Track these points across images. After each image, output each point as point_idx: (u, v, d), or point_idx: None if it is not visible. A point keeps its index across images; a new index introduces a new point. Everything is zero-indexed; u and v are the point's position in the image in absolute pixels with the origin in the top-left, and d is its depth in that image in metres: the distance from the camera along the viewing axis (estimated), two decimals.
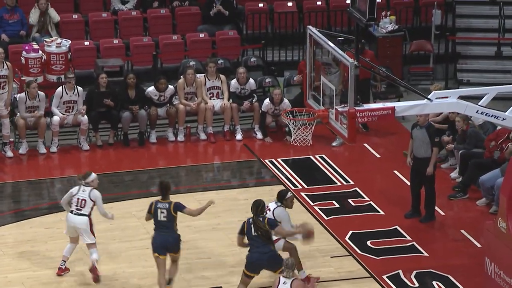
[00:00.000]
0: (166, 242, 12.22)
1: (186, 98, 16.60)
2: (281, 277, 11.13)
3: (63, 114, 16.07)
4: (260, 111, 16.42)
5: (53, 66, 16.52)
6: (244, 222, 11.92)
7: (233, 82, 16.64)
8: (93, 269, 12.53)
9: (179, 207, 12.29)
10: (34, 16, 17.32)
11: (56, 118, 15.99)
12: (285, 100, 16.46)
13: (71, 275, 12.79)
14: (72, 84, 15.97)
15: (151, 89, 16.34)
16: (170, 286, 12.35)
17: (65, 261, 12.78)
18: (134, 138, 16.47)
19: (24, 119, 15.80)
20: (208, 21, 18.06)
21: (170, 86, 16.39)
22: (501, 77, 17.56)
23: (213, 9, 17.81)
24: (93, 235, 12.62)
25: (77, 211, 12.63)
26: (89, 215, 12.64)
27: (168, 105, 16.40)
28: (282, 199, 12.46)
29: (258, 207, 11.97)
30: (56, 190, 15.16)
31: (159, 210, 12.29)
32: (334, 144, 16.28)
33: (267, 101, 16.39)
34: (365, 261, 13.16)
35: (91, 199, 12.63)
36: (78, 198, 12.63)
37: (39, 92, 15.80)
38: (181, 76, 16.58)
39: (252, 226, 11.79)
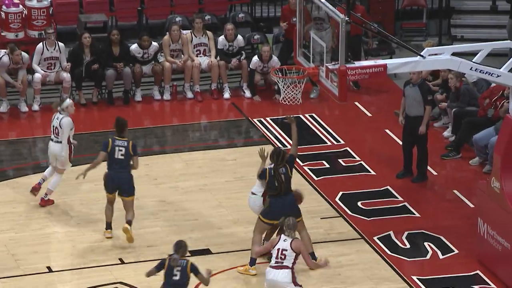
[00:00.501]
0: (120, 181, 12.34)
1: (172, 55, 16.22)
2: (282, 235, 11.06)
3: (44, 71, 15.72)
4: (249, 68, 16.08)
5: (34, 22, 16.17)
6: (265, 169, 11.73)
7: (221, 38, 16.28)
8: (36, 188, 12.97)
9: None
10: None
11: (37, 75, 15.66)
12: (274, 58, 16.15)
13: (53, 237, 12.53)
14: (52, 40, 15.61)
15: (134, 46, 16.01)
16: (127, 226, 12.37)
17: (44, 180, 13.04)
18: (119, 96, 16.17)
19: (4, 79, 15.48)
20: None
21: (154, 43, 16.04)
22: (496, 32, 17.24)
23: None
24: (69, 162, 12.84)
25: (55, 138, 12.92)
26: (68, 142, 12.80)
27: (153, 62, 16.04)
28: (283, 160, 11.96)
29: (279, 156, 11.76)
30: (39, 149, 14.87)
31: (117, 148, 12.35)
32: (311, 96, 16.03)
33: (255, 58, 16.06)
34: (356, 222, 13.00)
35: (60, 127, 12.68)
36: (53, 126, 12.92)
37: (23, 54, 15.43)
38: (167, 33, 16.18)
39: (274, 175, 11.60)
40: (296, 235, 11.25)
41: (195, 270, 10.43)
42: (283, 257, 10.90)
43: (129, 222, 12.41)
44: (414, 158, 13.92)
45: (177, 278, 10.38)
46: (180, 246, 10.47)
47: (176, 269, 10.39)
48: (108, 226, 12.61)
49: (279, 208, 11.70)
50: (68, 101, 12.85)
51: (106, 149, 12.42)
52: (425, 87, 13.80)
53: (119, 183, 12.40)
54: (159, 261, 10.58)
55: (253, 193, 12.00)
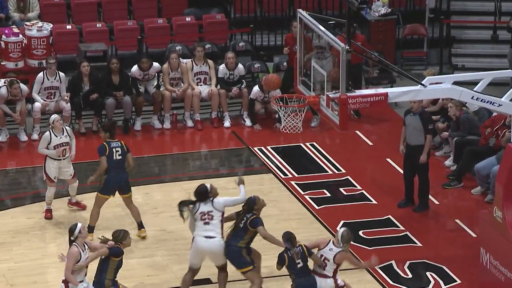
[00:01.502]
0: (120, 181, 12.77)
1: (171, 84, 16.20)
2: (331, 242, 11.25)
3: (44, 100, 15.68)
4: (249, 98, 16.03)
5: (34, 51, 16.16)
6: (284, 255, 11.31)
7: (221, 67, 16.28)
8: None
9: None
10: (12, 1, 16.95)
11: (37, 105, 15.64)
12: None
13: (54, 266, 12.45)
14: (53, 70, 15.61)
15: (134, 69, 16.02)
16: (142, 230, 12.87)
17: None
18: (118, 125, 16.10)
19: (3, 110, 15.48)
20: (194, 4, 17.67)
21: (155, 64, 16.04)
22: (497, 61, 17.27)
23: None
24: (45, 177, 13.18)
25: None
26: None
27: (154, 88, 15.93)
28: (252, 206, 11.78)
29: (295, 239, 11.41)
30: (38, 179, 14.78)
31: (114, 150, 12.73)
32: (312, 124, 15.98)
33: (256, 88, 16.06)
34: (357, 251, 12.88)
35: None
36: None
37: (22, 86, 15.44)
38: (166, 61, 16.19)
39: (293, 257, 11.28)
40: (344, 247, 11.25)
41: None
42: (324, 265, 11.22)
43: (141, 224, 12.92)
44: (415, 187, 13.86)
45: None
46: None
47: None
48: (91, 229, 12.77)
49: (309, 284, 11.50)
50: (52, 117, 13.18)
51: (105, 153, 12.70)
52: (425, 116, 13.77)
53: (120, 183, 12.82)
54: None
55: (210, 237, 11.62)
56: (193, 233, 11.61)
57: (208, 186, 11.70)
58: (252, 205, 11.68)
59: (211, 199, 11.61)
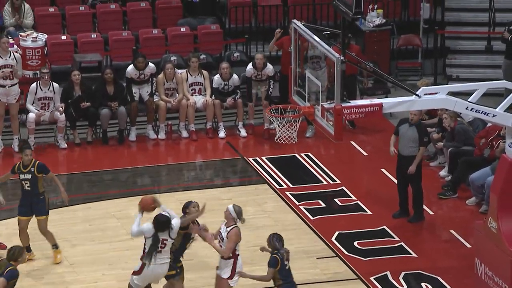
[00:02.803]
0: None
1: (166, 94, 16.20)
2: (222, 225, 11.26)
3: (38, 111, 15.66)
4: (245, 76, 16.00)
5: (28, 61, 16.12)
6: (277, 257, 11.17)
7: (216, 77, 16.28)
8: None
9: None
10: (7, 11, 16.92)
11: (31, 115, 15.62)
12: (269, 65, 16.10)
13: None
14: (46, 80, 15.58)
15: (130, 68, 15.96)
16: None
17: None
18: (113, 136, 16.10)
19: None
20: (189, 14, 17.68)
21: (151, 64, 16.02)
22: (491, 72, 17.27)
23: None
24: None
25: None
26: None
27: (148, 94, 15.91)
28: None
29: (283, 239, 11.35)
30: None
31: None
32: (307, 134, 16.00)
33: (249, 66, 16.07)
34: (352, 262, 12.87)
35: None
36: None
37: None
38: (161, 72, 16.18)
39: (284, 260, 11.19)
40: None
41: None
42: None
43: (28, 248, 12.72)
44: (409, 197, 13.85)
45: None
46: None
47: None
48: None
49: None
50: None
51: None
52: (422, 128, 13.76)
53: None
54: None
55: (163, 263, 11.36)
56: (144, 260, 11.23)
57: (167, 214, 11.29)
58: (185, 207, 11.56)
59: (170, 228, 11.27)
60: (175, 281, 11.46)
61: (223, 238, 11.30)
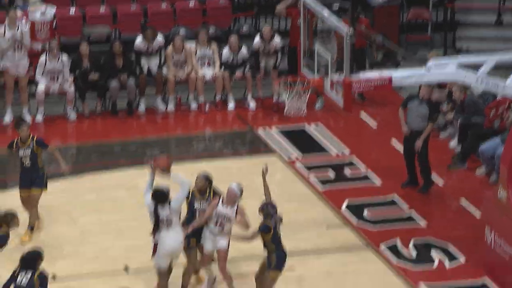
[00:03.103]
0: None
1: (176, 66, 16.16)
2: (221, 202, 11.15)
3: (47, 83, 15.63)
4: (252, 50, 15.95)
5: (37, 34, 16.11)
6: (269, 224, 11.08)
7: (225, 50, 16.23)
8: None
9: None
10: None
11: (40, 87, 15.60)
12: (276, 37, 16.06)
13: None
14: (55, 52, 15.54)
15: (139, 40, 15.90)
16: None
17: None
18: (123, 107, 16.07)
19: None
20: None
21: (159, 37, 15.95)
22: (501, 45, 17.15)
23: None
24: None
25: None
26: None
27: (157, 67, 15.87)
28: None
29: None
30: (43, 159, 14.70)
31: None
32: (316, 106, 15.94)
33: (257, 38, 16.01)
34: (362, 231, 12.85)
35: None
36: None
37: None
38: (170, 44, 16.14)
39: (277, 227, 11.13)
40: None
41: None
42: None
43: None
44: (417, 166, 13.79)
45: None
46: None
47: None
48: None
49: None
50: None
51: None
52: (433, 104, 13.64)
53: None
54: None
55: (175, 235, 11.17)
56: (156, 238, 11.05)
57: (165, 187, 11.11)
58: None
59: (168, 201, 11.07)
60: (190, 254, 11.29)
61: (229, 218, 11.20)
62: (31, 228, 12.53)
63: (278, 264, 11.03)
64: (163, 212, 11.09)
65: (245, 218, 11.27)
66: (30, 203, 12.51)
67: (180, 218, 11.21)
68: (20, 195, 12.58)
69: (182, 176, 11.22)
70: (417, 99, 13.52)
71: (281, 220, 11.08)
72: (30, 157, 12.40)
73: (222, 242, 11.29)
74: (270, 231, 10.99)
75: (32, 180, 12.48)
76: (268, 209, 11.08)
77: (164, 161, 11.31)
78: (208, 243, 11.31)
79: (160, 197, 11.09)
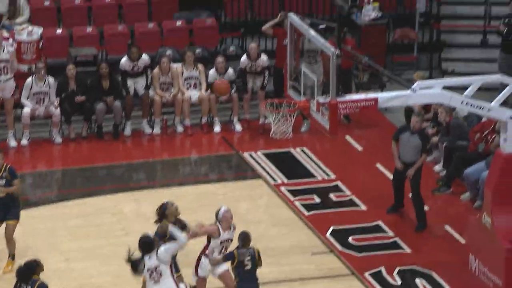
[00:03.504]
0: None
1: (162, 88, 16.17)
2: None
3: (33, 105, 15.63)
4: (239, 68, 16.01)
5: (23, 55, 16.11)
6: (234, 253, 11.10)
7: (212, 72, 16.24)
8: None
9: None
10: (2, 3, 16.87)
11: (26, 110, 15.58)
12: (263, 56, 16.11)
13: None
14: (42, 75, 15.53)
15: (123, 60, 15.94)
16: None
17: None
18: (109, 130, 16.07)
19: None
20: (185, 8, 17.63)
21: (145, 56, 15.98)
22: (487, 66, 17.21)
23: None
24: None
25: None
26: None
27: (144, 88, 15.89)
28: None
29: (249, 240, 11.19)
30: (27, 185, 14.72)
31: None
32: (302, 129, 16.01)
33: (244, 57, 16.07)
34: (347, 257, 12.87)
35: None
36: None
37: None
38: (157, 65, 16.16)
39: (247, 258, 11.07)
40: None
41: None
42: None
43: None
44: (405, 192, 13.78)
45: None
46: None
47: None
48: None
49: None
50: None
51: None
52: (425, 135, 13.64)
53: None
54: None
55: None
56: None
57: (150, 234, 10.77)
58: (163, 210, 11.38)
59: (155, 250, 10.48)
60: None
61: (231, 241, 11.24)
62: (12, 257, 12.50)
63: None
64: (150, 262, 10.52)
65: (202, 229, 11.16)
66: (6, 234, 12.46)
67: (172, 269, 10.60)
68: None
69: (180, 233, 10.77)
70: (408, 131, 13.53)
71: (245, 254, 10.99)
72: (5, 186, 12.32)
73: (223, 265, 11.30)
74: (233, 260, 10.99)
75: (7, 210, 12.40)
76: (239, 239, 11.07)
77: (224, 84, 11.17)
78: (206, 271, 11.29)
79: (145, 245, 10.56)
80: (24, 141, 15.64)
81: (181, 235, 10.64)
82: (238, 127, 16.25)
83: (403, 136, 13.54)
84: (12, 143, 15.60)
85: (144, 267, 10.46)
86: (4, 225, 12.47)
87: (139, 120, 16.22)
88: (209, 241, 11.39)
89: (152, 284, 10.48)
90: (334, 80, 13.66)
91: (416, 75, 15.35)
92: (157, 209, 11.47)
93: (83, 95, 15.74)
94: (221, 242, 11.31)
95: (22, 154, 15.53)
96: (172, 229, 10.78)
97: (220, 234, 11.25)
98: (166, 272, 10.44)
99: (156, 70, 16.12)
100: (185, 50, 16.32)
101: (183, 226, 11.48)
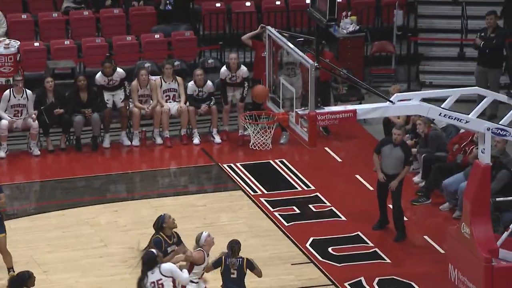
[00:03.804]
0: None
1: (140, 101, 16.15)
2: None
3: (11, 118, 15.54)
4: (220, 79, 16.03)
5: (1, 68, 16.03)
6: (221, 258, 11.09)
7: (190, 84, 16.25)
8: None
9: None
10: None
11: (4, 122, 15.50)
12: (243, 67, 16.12)
13: None
14: (20, 87, 15.48)
15: (98, 76, 15.93)
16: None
17: None
18: (87, 142, 16.01)
19: None
20: (163, 21, 17.65)
21: (119, 70, 15.95)
22: (464, 78, 17.35)
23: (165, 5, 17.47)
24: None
25: None
26: None
27: (122, 100, 15.86)
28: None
29: (238, 249, 11.14)
30: (6, 197, 14.55)
31: None
32: (281, 141, 16.01)
33: (223, 68, 16.09)
34: (327, 268, 12.89)
35: None
36: None
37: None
38: (135, 78, 16.14)
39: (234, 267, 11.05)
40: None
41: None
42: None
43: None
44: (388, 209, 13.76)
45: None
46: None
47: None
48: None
49: None
50: None
51: None
52: (407, 147, 13.65)
53: None
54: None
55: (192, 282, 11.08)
56: None
57: (155, 252, 10.70)
58: (161, 223, 11.31)
59: (158, 265, 10.54)
60: None
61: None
62: (12, 270, 12.34)
63: None
64: (153, 276, 10.51)
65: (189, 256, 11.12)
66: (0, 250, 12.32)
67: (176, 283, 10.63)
68: None
69: (182, 274, 10.68)
70: (390, 143, 13.56)
71: (233, 263, 10.96)
72: None
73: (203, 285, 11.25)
74: (218, 266, 11.02)
75: None
76: (227, 246, 11.06)
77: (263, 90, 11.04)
78: None
79: (149, 261, 10.55)
80: (2, 154, 15.53)
81: (183, 275, 10.68)
82: (218, 139, 16.24)
83: (385, 149, 13.58)
84: None
85: (146, 282, 10.56)
86: None
87: (118, 132, 16.19)
88: (192, 268, 11.21)
89: None
90: (312, 92, 13.69)
91: (392, 88, 15.44)
92: (155, 222, 11.35)
93: (61, 108, 15.69)
94: (202, 268, 11.21)
95: (0, 166, 15.44)
96: (174, 268, 10.68)
97: (205, 260, 11.15)
98: (169, 284, 10.59)
99: (134, 82, 16.10)
100: (164, 63, 16.32)
101: (178, 242, 11.40)
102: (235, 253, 11.06)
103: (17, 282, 10.39)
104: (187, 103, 16.20)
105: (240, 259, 11.06)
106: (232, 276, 11.03)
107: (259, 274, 11.11)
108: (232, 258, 11.02)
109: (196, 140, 16.19)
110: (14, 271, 12.40)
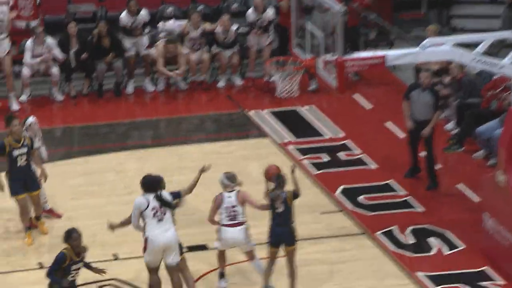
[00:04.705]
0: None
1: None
2: (224, 193, 10.91)
3: (34, 68, 15.28)
4: (247, 23, 15.78)
5: (20, 12, 15.72)
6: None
7: (217, 29, 15.89)
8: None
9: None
10: None
11: (26, 71, 15.20)
12: (269, 10, 15.79)
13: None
14: (41, 39, 15.16)
15: (123, 15, 15.57)
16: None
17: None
18: (110, 88, 15.74)
19: None
20: None
21: (143, 11, 15.61)
22: (496, 22, 16.88)
23: None
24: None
25: None
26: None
27: (145, 48, 15.56)
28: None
29: (284, 182, 10.95)
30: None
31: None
32: (309, 88, 15.62)
33: (250, 10, 15.80)
34: (357, 217, 12.56)
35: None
36: None
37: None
38: (160, 42, 15.55)
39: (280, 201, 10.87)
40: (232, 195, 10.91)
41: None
42: (234, 213, 10.82)
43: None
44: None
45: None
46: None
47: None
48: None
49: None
50: (29, 120, 11.97)
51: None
52: (436, 92, 13.27)
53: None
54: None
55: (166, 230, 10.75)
56: (146, 234, 10.50)
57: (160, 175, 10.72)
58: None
59: (160, 191, 10.59)
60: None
61: (234, 205, 10.93)
62: (38, 217, 12.08)
63: (268, 238, 10.90)
64: (154, 202, 10.59)
65: (253, 199, 11.02)
66: (34, 204, 11.97)
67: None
68: (18, 199, 11.86)
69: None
70: (419, 88, 13.15)
71: (279, 196, 10.78)
72: (27, 154, 11.71)
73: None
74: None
75: (27, 180, 11.81)
76: (274, 179, 10.91)
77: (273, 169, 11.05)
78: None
79: (148, 184, 10.59)
80: (23, 98, 15.31)
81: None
82: (238, 81, 15.84)
83: (413, 94, 13.19)
84: (14, 106, 15.16)
85: (145, 208, 10.53)
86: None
87: (142, 78, 15.88)
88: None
89: (155, 223, 10.52)
90: (340, 38, 13.37)
91: (429, 29, 14.95)
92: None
93: (82, 51, 15.37)
94: (226, 208, 10.99)
95: (23, 112, 15.18)
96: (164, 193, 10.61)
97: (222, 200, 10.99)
98: (169, 212, 10.62)
99: (160, 46, 15.41)
100: (190, 11, 15.94)
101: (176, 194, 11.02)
102: (281, 186, 10.84)
103: (65, 236, 10.24)
104: (214, 48, 15.74)
105: (284, 193, 10.86)
106: (277, 210, 10.85)
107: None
108: (277, 191, 10.80)
109: (221, 83, 15.80)
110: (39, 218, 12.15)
